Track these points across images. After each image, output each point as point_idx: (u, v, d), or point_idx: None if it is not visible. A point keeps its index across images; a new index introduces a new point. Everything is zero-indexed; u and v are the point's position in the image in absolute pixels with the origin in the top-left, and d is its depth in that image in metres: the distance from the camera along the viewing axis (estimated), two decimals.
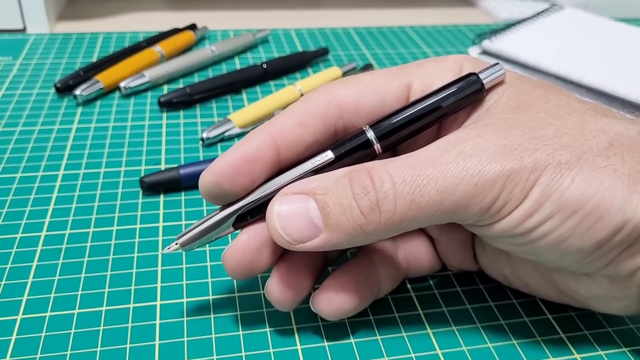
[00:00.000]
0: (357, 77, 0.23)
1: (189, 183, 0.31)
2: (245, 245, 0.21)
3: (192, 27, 0.50)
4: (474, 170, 0.19)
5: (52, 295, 0.25)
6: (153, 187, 0.31)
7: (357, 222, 0.19)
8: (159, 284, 0.26)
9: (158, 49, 0.45)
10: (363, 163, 0.20)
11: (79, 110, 0.39)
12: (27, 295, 0.25)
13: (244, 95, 0.42)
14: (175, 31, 0.49)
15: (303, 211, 0.20)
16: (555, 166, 0.19)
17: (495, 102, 0.21)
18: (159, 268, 0.26)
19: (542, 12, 0.57)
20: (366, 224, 0.19)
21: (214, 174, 0.21)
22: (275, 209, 0.20)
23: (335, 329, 0.24)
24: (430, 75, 0.22)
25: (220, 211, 0.22)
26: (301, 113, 0.22)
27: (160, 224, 0.29)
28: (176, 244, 0.22)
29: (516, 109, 0.21)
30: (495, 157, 0.19)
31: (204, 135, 0.35)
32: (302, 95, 0.41)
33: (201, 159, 0.34)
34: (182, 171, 0.31)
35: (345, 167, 0.20)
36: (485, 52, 0.51)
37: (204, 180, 0.21)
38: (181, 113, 0.39)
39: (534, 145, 0.19)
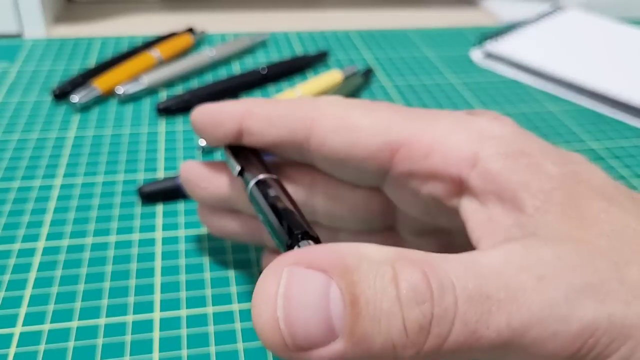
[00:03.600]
0: (349, 115, 0.19)
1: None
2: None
3: (191, 30, 0.50)
4: (559, 312, 0.14)
5: (51, 307, 0.24)
6: (151, 196, 0.31)
7: (394, 340, 0.13)
8: (157, 296, 0.25)
9: (156, 53, 0.44)
10: (410, 251, 0.14)
11: (77, 116, 0.38)
12: (26, 307, 0.24)
13: None
14: (173, 35, 0.48)
15: (323, 301, 0.13)
16: None
17: (540, 207, 0.16)
18: (158, 280, 0.26)
19: (545, 13, 0.56)
20: (403, 346, 0.13)
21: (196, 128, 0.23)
22: (281, 287, 0.13)
23: None
24: (431, 145, 0.18)
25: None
26: (277, 114, 0.20)
27: (159, 234, 0.29)
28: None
29: (578, 224, 0.15)
30: (583, 298, 0.14)
31: (202, 143, 0.35)
32: None
33: None
34: (180, 181, 0.31)
35: (389, 248, 0.14)
36: (488, 55, 0.50)
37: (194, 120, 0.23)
38: (179, 119, 0.39)
39: (624, 295, 0.14)
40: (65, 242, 0.28)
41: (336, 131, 0.19)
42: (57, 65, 0.45)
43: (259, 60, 0.48)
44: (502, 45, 0.49)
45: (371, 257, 0.13)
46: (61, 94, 0.39)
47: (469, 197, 0.18)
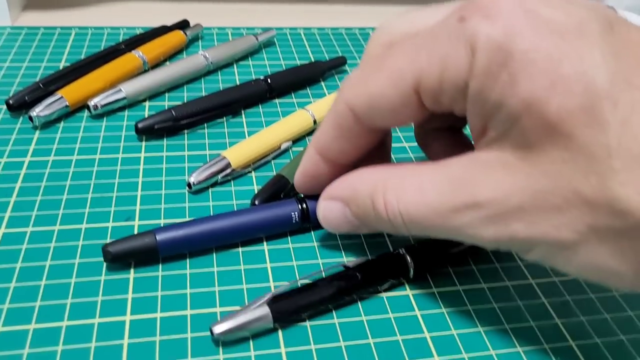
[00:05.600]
0: (366, 79, 0.21)
1: (169, 253, 0.24)
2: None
3: (183, 24, 0.42)
4: None
5: None
6: (120, 258, 0.23)
7: (384, 230, 0.23)
8: None
9: (140, 54, 0.37)
10: (385, 177, 0.22)
11: (36, 135, 0.31)
12: None
13: (244, 118, 0.34)
14: (162, 30, 0.41)
15: (342, 216, 0.24)
16: None
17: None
18: None
19: None
20: (390, 231, 0.23)
21: (300, 189, 0.26)
22: (320, 211, 0.24)
23: None
24: (444, 67, 0.19)
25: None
26: (332, 127, 0.23)
27: (128, 317, 0.22)
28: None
29: None
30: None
31: (192, 179, 0.28)
32: (314, 122, 0.33)
33: (187, 212, 0.27)
34: (159, 237, 0.24)
35: (371, 178, 0.22)
36: None
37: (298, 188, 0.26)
38: (164, 142, 0.31)
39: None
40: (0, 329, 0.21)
41: (372, 104, 0.21)
42: (20, 62, 0.37)
43: (264, 64, 0.40)
44: None
45: (363, 192, 0.22)
46: (18, 105, 0.32)
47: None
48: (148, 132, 0.31)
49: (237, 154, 0.29)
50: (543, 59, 0.17)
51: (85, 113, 0.33)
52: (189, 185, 0.28)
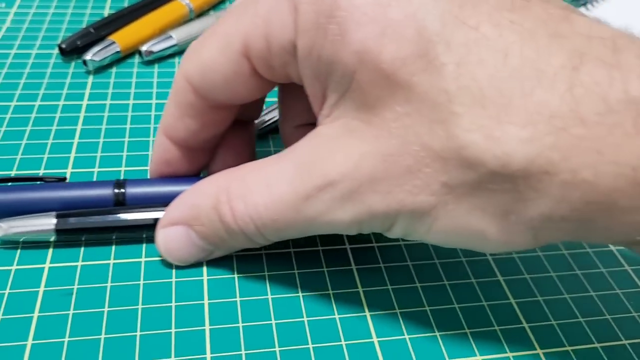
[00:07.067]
0: (200, 47, 0.19)
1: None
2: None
3: None
4: None
5: None
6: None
7: (239, 245, 0.20)
8: None
9: (186, 1, 0.36)
10: (226, 184, 0.19)
11: (90, 79, 0.31)
12: None
13: None
14: None
15: (188, 242, 0.20)
16: None
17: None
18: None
19: None
20: (246, 245, 0.20)
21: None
22: (160, 243, 0.20)
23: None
24: (268, 27, 0.17)
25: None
26: (173, 104, 0.20)
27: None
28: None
29: None
30: None
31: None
32: None
33: None
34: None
35: (211, 189, 0.19)
36: None
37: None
38: None
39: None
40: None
41: (205, 74, 0.19)
42: (65, 8, 0.37)
43: None
44: (600, 9, 0.41)
45: (204, 205, 0.19)
46: (70, 49, 0.31)
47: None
48: None
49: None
50: (370, 3, 0.15)
51: (136, 59, 0.33)
52: None
